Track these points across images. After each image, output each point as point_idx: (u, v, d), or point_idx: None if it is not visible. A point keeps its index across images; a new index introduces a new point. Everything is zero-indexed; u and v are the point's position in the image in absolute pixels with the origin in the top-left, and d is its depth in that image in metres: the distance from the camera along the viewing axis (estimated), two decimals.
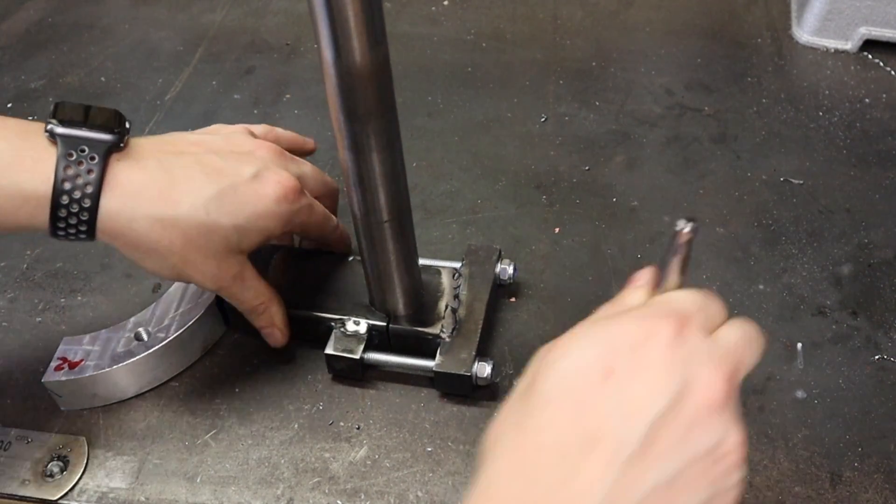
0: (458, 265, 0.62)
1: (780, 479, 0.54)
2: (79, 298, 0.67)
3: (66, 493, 0.54)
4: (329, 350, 0.58)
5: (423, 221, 0.71)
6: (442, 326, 0.58)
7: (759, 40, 0.91)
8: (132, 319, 0.60)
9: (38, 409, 0.59)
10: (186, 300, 0.61)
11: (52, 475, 0.55)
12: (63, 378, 0.57)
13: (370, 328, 0.58)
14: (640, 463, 0.34)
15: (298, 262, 0.64)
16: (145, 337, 0.59)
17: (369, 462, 0.55)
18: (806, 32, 0.90)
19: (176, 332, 0.59)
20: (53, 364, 0.57)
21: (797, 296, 0.65)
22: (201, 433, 0.58)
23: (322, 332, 0.59)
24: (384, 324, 0.58)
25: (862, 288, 0.65)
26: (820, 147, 0.78)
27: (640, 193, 0.74)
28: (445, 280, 0.61)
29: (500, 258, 0.63)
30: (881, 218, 0.71)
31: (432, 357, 0.57)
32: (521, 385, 0.39)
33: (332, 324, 0.59)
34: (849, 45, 0.89)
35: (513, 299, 0.65)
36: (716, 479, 0.36)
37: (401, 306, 0.58)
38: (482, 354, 0.57)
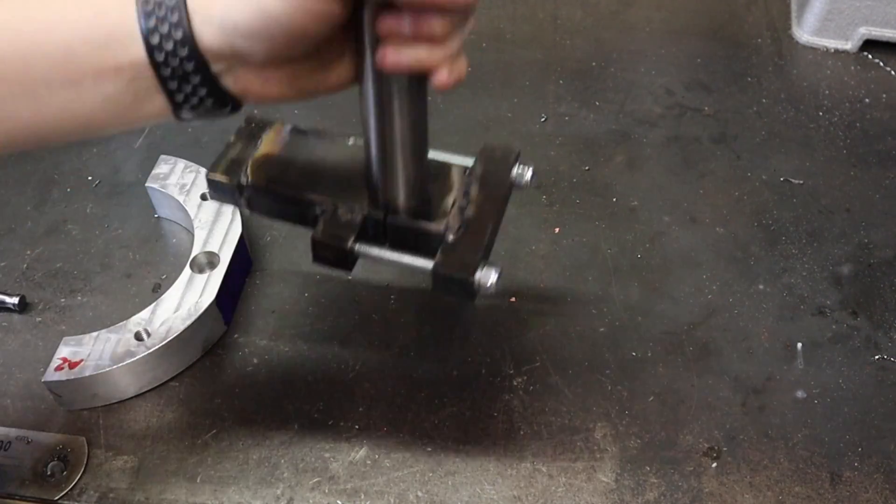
0: (470, 162, 0.55)
1: (780, 479, 0.54)
2: (79, 298, 0.67)
3: (66, 493, 0.54)
4: (316, 235, 0.50)
5: None
6: (447, 223, 0.50)
7: (759, 40, 0.91)
8: (132, 319, 0.60)
9: (38, 409, 0.59)
10: (186, 300, 0.61)
11: (52, 475, 0.55)
12: (63, 378, 0.57)
13: (365, 217, 0.51)
14: None
15: (293, 139, 0.56)
16: (145, 337, 0.59)
17: (369, 462, 0.55)
18: (806, 32, 0.90)
19: (176, 332, 0.59)
20: (53, 364, 0.57)
21: (797, 296, 0.65)
22: (201, 433, 0.58)
23: (311, 218, 0.52)
24: (382, 213, 0.51)
25: (862, 288, 0.65)
26: (820, 147, 0.78)
27: (640, 193, 0.74)
28: (455, 176, 0.54)
29: (517, 160, 0.55)
30: (881, 218, 0.71)
31: (430, 256, 0.50)
32: None
33: (324, 207, 0.52)
34: (849, 45, 0.89)
35: (513, 299, 0.65)
36: None
37: (402, 196, 0.51)
38: (488, 259, 0.50)
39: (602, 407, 0.58)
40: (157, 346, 0.58)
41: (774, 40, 0.91)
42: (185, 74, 0.42)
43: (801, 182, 0.74)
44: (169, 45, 0.40)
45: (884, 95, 0.83)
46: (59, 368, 0.57)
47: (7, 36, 0.40)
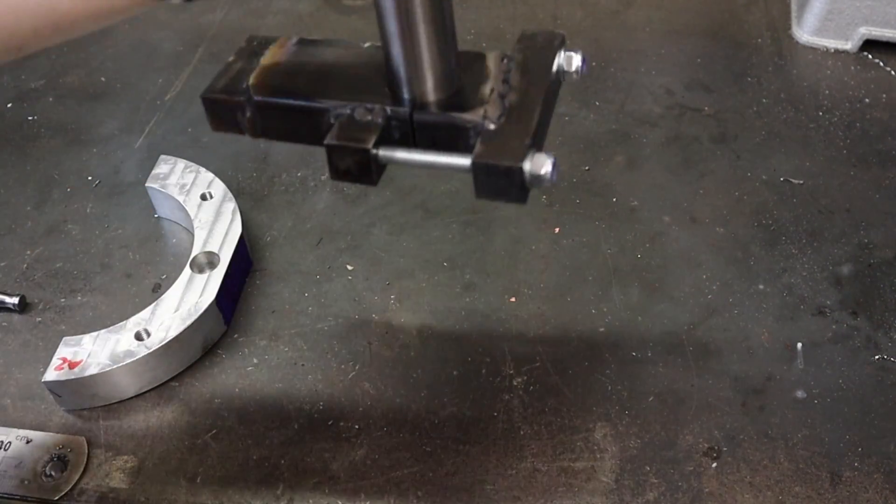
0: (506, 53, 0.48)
1: (780, 479, 0.54)
2: (79, 298, 0.67)
3: (66, 493, 0.54)
4: (329, 139, 0.43)
5: (423, 222, 0.71)
6: (485, 112, 0.43)
7: (759, 40, 0.91)
8: (132, 319, 0.60)
9: (38, 409, 0.59)
10: (186, 300, 0.61)
11: (52, 475, 0.55)
12: (63, 378, 0.57)
13: (388, 116, 0.44)
14: None
15: (301, 49, 0.49)
16: (145, 337, 0.59)
17: (369, 462, 0.55)
18: (806, 32, 0.90)
19: (176, 332, 0.59)
20: (53, 364, 0.57)
21: (797, 296, 0.65)
22: (201, 433, 0.58)
23: (325, 128, 0.45)
24: (406, 110, 0.44)
25: (862, 288, 0.65)
26: (820, 147, 0.78)
27: (640, 193, 0.74)
28: (492, 64, 0.46)
29: (563, 45, 0.47)
30: (881, 218, 0.71)
31: (466, 153, 0.42)
32: None
33: (339, 112, 0.45)
34: (849, 45, 0.89)
35: (513, 299, 0.65)
36: None
37: (430, 88, 0.44)
38: (539, 148, 0.43)
39: (602, 407, 0.58)
40: (157, 346, 0.58)
41: (774, 40, 0.91)
42: None
43: (801, 182, 0.74)
44: None
45: (884, 95, 0.83)
46: (59, 368, 0.57)
47: None
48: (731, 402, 0.58)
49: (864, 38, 0.87)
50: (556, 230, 0.71)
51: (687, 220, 0.71)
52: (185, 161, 0.72)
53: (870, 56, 0.88)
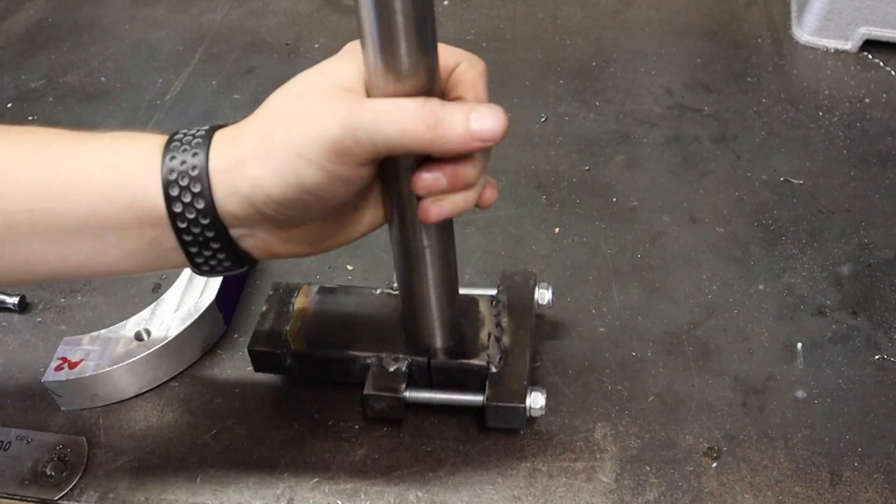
0: (492, 292, 0.59)
1: (780, 479, 0.54)
2: (79, 298, 0.67)
3: (66, 493, 0.54)
4: (368, 390, 0.53)
5: None
6: (488, 357, 0.54)
7: (759, 40, 0.91)
8: (132, 319, 0.60)
9: (38, 409, 0.59)
10: (186, 300, 0.61)
11: (52, 475, 0.55)
12: (63, 378, 0.57)
13: (410, 364, 0.55)
14: None
15: (322, 298, 0.59)
16: (145, 337, 0.59)
17: (369, 462, 0.55)
18: (806, 32, 0.90)
19: (176, 332, 0.59)
20: (53, 364, 0.57)
21: (797, 296, 0.65)
22: (201, 433, 0.57)
23: (355, 372, 0.56)
24: (425, 359, 0.55)
25: (862, 288, 0.65)
26: (820, 147, 0.78)
27: (640, 193, 0.74)
28: (484, 309, 0.58)
29: (536, 283, 0.60)
30: (881, 218, 0.71)
31: (476, 390, 0.54)
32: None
33: (368, 362, 0.55)
34: (849, 45, 0.89)
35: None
36: None
37: (440, 339, 0.54)
38: (532, 384, 0.55)
39: (602, 407, 0.58)
40: (157, 346, 0.58)
41: (774, 40, 0.91)
42: (206, 240, 0.42)
43: (801, 182, 0.74)
44: (191, 214, 0.41)
45: (884, 95, 0.83)
46: (58, 368, 0.57)
47: (40, 191, 0.41)
48: (731, 402, 0.58)
49: (864, 38, 0.87)
50: (556, 230, 0.71)
51: (687, 220, 0.71)
52: None
53: (870, 56, 0.88)
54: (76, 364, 0.57)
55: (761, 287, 0.65)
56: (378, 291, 0.60)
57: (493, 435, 0.56)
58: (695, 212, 0.72)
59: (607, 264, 0.68)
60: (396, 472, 0.55)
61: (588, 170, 0.76)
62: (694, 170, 0.76)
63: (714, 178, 0.75)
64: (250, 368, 0.61)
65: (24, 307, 0.66)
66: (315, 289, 0.60)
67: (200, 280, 0.62)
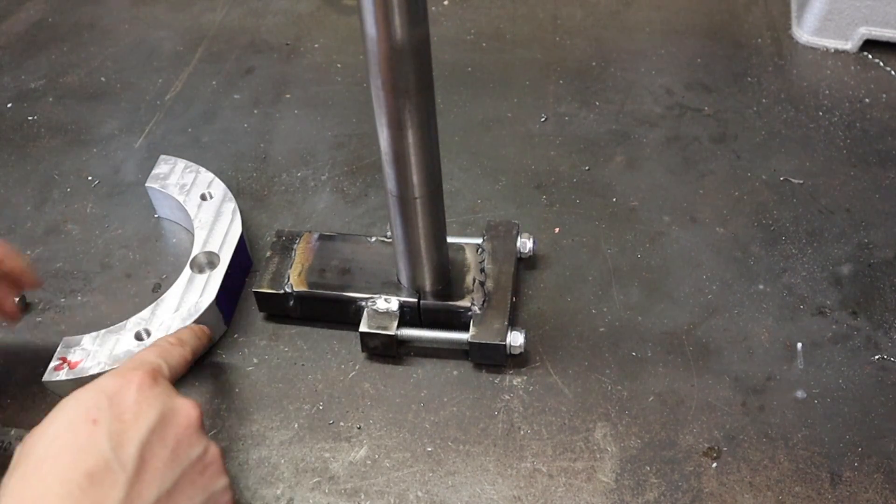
0: (478, 241, 0.64)
1: (780, 479, 0.54)
2: (79, 298, 0.67)
3: None
4: (363, 328, 0.59)
5: None
6: (472, 299, 0.60)
7: (759, 40, 0.91)
8: (132, 319, 0.60)
9: (38, 409, 0.59)
10: (186, 300, 0.61)
11: None
12: (63, 378, 0.57)
13: (402, 305, 0.60)
14: (140, 482, 0.41)
15: (322, 245, 0.64)
16: (145, 337, 0.59)
17: (369, 462, 0.55)
18: (806, 32, 0.90)
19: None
20: (53, 364, 0.57)
21: (797, 296, 0.65)
22: None
23: (352, 313, 0.61)
24: (415, 300, 0.60)
25: (862, 288, 0.65)
26: (820, 147, 0.78)
27: (640, 193, 0.74)
28: (469, 255, 0.63)
29: (519, 232, 0.65)
30: (881, 218, 0.71)
31: (462, 330, 0.59)
32: (12, 469, 0.42)
33: (363, 303, 0.60)
34: (849, 45, 0.89)
35: (513, 299, 0.65)
36: (206, 485, 0.45)
37: (429, 283, 0.60)
38: (513, 324, 0.60)
39: (602, 407, 0.58)
40: None
41: (774, 40, 0.91)
42: None
43: (801, 182, 0.74)
44: None
45: (884, 95, 0.83)
46: (59, 368, 0.57)
47: None
48: (731, 402, 0.58)
49: (864, 38, 0.87)
50: (556, 230, 0.71)
51: (687, 220, 0.71)
52: (185, 161, 0.72)
53: (870, 56, 0.88)
54: (76, 364, 0.57)
55: (761, 287, 0.65)
56: (373, 239, 0.65)
57: (493, 435, 0.56)
58: (695, 212, 0.72)
59: (607, 264, 0.68)
60: (396, 472, 0.55)
61: (588, 170, 0.76)
62: (694, 170, 0.76)
63: (714, 178, 0.75)
64: (251, 368, 0.61)
65: (24, 307, 0.66)
66: (315, 236, 0.65)
67: (200, 280, 0.62)
